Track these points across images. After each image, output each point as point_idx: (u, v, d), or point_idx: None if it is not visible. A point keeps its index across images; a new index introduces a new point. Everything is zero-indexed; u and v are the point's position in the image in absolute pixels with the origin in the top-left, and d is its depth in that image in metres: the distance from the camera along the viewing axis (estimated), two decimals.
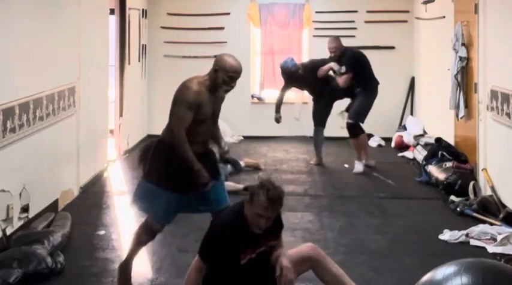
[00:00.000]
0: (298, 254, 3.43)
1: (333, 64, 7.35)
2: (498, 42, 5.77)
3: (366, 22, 9.54)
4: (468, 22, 6.68)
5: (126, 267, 3.97)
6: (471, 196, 5.92)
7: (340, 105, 7.79)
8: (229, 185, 5.80)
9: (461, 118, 6.82)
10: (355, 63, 7.29)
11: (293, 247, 3.54)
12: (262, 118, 9.17)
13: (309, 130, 8.18)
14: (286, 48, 9.57)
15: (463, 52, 6.67)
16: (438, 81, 7.98)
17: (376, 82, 7.41)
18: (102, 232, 5.13)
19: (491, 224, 5.17)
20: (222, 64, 3.83)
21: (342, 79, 7.25)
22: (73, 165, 6.12)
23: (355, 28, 9.53)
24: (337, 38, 7.52)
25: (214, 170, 3.95)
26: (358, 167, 7.35)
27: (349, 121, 7.36)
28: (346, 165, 7.65)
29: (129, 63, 8.36)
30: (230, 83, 3.86)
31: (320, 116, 7.67)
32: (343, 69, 7.25)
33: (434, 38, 8.34)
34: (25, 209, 4.88)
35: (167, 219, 3.96)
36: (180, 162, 3.77)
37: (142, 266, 4.41)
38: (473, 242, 4.86)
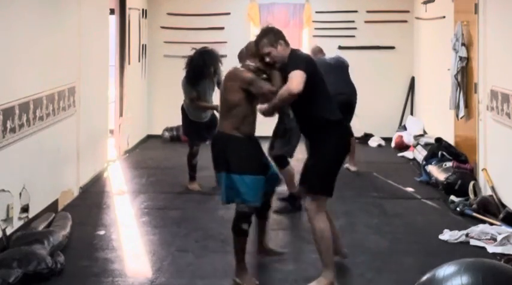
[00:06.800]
0: None
1: None
2: (498, 42, 5.77)
3: (366, 22, 9.54)
4: (468, 22, 6.68)
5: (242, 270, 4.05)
6: (471, 196, 5.91)
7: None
8: None
9: (461, 118, 6.81)
10: None
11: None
12: (262, 118, 9.13)
13: None
14: None
15: (463, 52, 6.67)
16: (438, 81, 7.98)
17: None
18: (102, 232, 5.12)
19: (491, 224, 5.16)
20: None
21: None
22: (73, 165, 6.12)
23: (355, 28, 9.53)
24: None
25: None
26: None
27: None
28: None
29: (129, 63, 8.36)
30: None
31: None
32: None
33: (434, 38, 8.34)
34: (25, 209, 4.88)
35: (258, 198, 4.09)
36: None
37: (142, 266, 4.41)
38: (473, 242, 4.86)
